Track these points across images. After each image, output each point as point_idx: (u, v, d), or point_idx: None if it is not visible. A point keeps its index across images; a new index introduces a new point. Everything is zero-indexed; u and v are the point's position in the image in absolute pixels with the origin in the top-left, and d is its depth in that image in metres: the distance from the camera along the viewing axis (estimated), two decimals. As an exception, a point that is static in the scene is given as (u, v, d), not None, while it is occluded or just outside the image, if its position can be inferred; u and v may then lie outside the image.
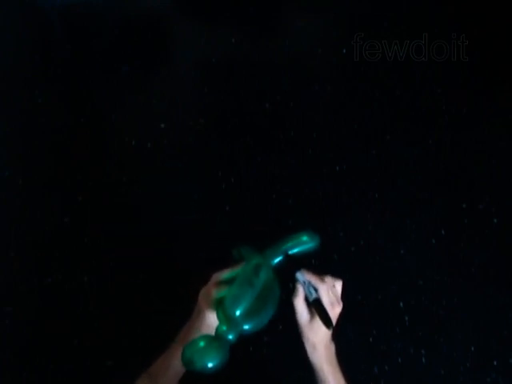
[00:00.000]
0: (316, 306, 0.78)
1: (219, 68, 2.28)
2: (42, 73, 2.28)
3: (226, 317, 0.73)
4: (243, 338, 0.74)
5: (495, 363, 1.48)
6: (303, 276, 0.82)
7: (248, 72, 2.26)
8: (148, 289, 1.58)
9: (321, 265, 0.87)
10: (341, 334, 0.84)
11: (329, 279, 0.83)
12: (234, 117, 2.08)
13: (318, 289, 0.80)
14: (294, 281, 0.83)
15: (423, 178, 1.89)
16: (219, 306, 0.75)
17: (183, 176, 1.89)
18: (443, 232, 1.74)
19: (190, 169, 1.91)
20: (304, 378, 0.83)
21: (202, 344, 0.69)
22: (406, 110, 2.10)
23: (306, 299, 0.81)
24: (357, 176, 1.89)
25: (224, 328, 0.72)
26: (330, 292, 0.81)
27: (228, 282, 0.79)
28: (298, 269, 0.83)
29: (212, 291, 0.78)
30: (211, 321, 0.78)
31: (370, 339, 1.51)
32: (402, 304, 1.58)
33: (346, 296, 0.84)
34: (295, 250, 0.85)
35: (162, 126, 2.05)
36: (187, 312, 0.83)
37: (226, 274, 0.81)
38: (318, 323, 0.78)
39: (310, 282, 0.81)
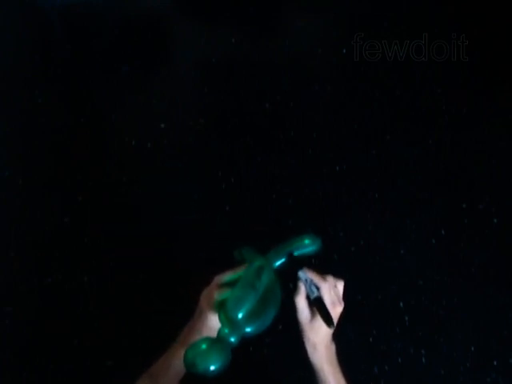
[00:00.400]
0: (317, 305, 0.78)
1: (219, 68, 2.28)
2: (42, 73, 2.28)
3: (228, 319, 0.73)
4: (244, 340, 0.73)
5: (495, 363, 1.48)
6: (305, 274, 0.82)
7: (248, 72, 2.26)
8: (148, 289, 1.58)
9: (321, 265, 0.87)
10: (341, 334, 0.84)
11: (331, 279, 0.83)
12: (233, 117, 2.08)
13: (319, 287, 0.80)
14: (296, 279, 0.83)
15: (423, 178, 1.89)
16: (221, 308, 0.74)
17: (183, 176, 1.89)
18: (443, 232, 1.74)
19: (190, 169, 1.91)
20: (304, 378, 0.83)
21: (204, 347, 0.69)
22: (406, 110, 2.10)
23: (308, 298, 0.81)
24: (357, 176, 1.89)
25: (226, 330, 0.72)
26: (332, 291, 0.81)
27: (230, 284, 0.79)
28: (299, 268, 0.83)
29: (214, 293, 0.78)
30: (213, 323, 0.78)
31: (370, 339, 1.51)
32: (401, 304, 1.58)
33: (346, 296, 0.84)
34: (297, 253, 0.85)
35: (162, 126, 2.05)
36: (187, 312, 0.83)
37: (228, 276, 0.81)
38: (319, 322, 0.78)
39: (312, 281, 0.81)
